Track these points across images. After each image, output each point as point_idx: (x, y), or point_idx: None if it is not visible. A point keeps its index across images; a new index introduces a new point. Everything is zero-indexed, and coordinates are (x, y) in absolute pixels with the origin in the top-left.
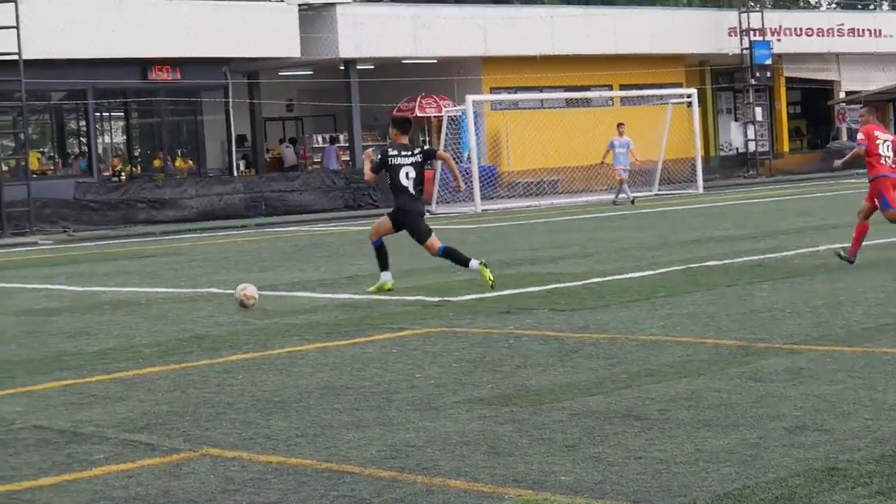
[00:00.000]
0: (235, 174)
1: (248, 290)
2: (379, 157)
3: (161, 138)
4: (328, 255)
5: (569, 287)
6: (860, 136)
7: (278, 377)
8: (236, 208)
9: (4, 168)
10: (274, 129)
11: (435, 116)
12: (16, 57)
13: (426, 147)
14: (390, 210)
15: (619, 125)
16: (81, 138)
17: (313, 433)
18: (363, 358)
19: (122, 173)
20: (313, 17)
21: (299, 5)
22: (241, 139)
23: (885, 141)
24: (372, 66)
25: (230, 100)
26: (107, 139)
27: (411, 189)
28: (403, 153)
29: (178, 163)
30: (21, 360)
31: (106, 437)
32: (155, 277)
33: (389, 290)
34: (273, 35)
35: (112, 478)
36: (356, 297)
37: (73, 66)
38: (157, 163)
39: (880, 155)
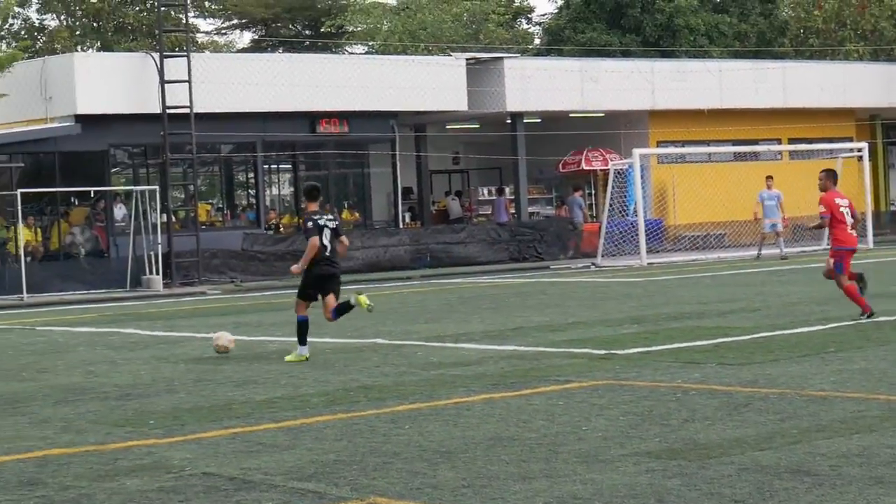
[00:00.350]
0: (401, 226)
1: (221, 340)
2: (310, 224)
3: (328, 190)
4: (493, 306)
5: (737, 341)
6: (822, 207)
7: (445, 428)
8: (401, 260)
9: (174, 219)
10: (440, 181)
11: (601, 170)
12: (187, 110)
13: (338, 221)
14: (304, 281)
15: (768, 178)
16: (250, 190)
17: (479, 484)
18: (529, 409)
19: (280, 225)
20: (481, 71)
21: (467, 60)
22: (407, 191)
23: (845, 207)
24: (538, 119)
25: (397, 152)
26: (275, 191)
27: (328, 252)
28: (325, 216)
29: (345, 214)
30: (190, 408)
31: (274, 484)
32: (320, 327)
33: (306, 359)
34: (441, 89)
35: None
36: (522, 348)
37: (242, 119)
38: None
39: (844, 223)
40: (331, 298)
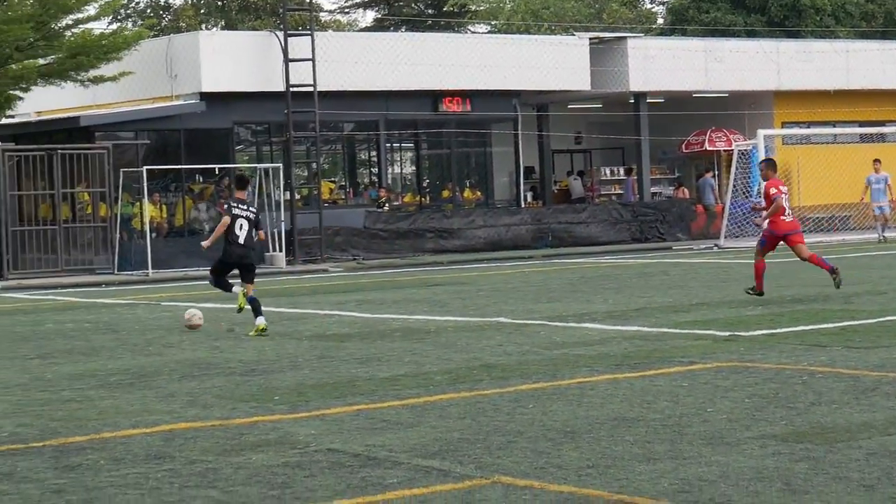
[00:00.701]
0: (523, 205)
1: (194, 319)
2: (226, 207)
3: (450, 169)
4: (615, 287)
5: (863, 325)
6: (773, 190)
7: (568, 407)
8: (523, 239)
9: (298, 197)
10: (562, 161)
11: (724, 150)
12: (311, 89)
13: (258, 213)
14: (222, 259)
15: (875, 161)
16: (372, 168)
17: (604, 464)
18: (653, 390)
19: (388, 204)
20: (604, 51)
21: (590, 39)
22: (528, 171)
23: (785, 195)
24: (662, 100)
25: (519, 132)
26: (396, 169)
27: (241, 240)
28: (241, 206)
29: (467, 193)
30: (315, 384)
31: (398, 461)
32: (443, 306)
33: (263, 330)
34: (563, 68)
35: (405, 502)
36: (645, 329)
37: (365, 97)
38: (445, 193)
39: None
40: (248, 287)
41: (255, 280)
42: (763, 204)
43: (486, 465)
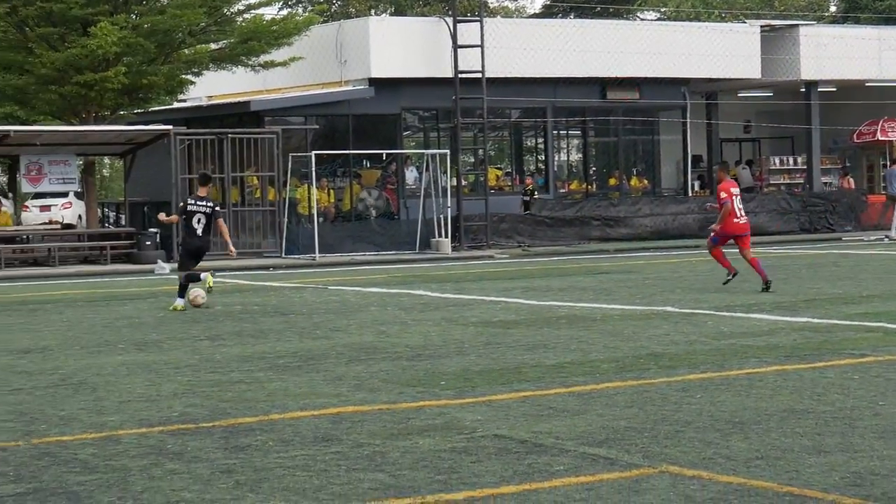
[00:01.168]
0: (690, 194)
1: (198, 299)
2: (181, 204)
3: (617, 157)
4: (784, 277)
5: None
6: (723, 194)
7: (737, 398)
8: (690, 228)
9: (464, 183)
10: (730, 149)
11: None
12: (479, 75)
13: (217, 207)
14: (183, 252)
15: None
16: (538, 155)
17: (774, 456)
18: (823, 382)
19: (535, 192)
20: (775, 39)
21: (761, 27)
22: (696, 159)
23: (736, 195)
24: (833, 88)
25: (688, 120)
26: (563, 156)
27: (199, 232)
28: (198, 203)
29: (634, 181)
30: (481, 370)
31: (565, 449)
32: (609, 294)
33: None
34: (734, 56)
35: (572, 490)
36: (815, 321)
37: (532, 84)
38: (612, 181)
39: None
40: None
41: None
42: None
43: (654, 454)
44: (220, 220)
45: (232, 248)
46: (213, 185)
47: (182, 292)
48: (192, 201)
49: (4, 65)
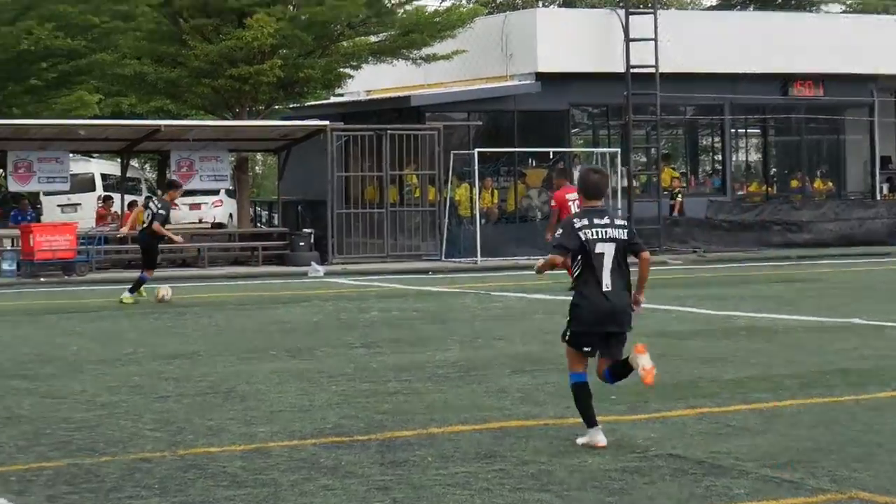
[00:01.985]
0: (878, 197)
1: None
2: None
3: (799, 157)
4: None
5: None
6: (552, 202)
7: None
8: (878, 234)
9: (636, 183)
10: None
11: None
12: (652, 70)
13: (161, 210)
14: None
15: None
16: (715, 155)
17: None
18: None
19: (680, 194)
20: None
21: None
22: (885, 160)
23: (573, 201)
24: None
25: (875, 118)
26: (741, 157)
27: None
28: (155, 203)
29: (817, 184)
30: (654, 385)
31: (746, 471)
32: (792, 304)
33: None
34: None
35: None
36: None
37: (709, 79)
38: (794, 183)
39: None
40: (148, 272)
41: (152, 266)
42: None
43: (842, 478)
44: (156, 224)
45: (176, 238)
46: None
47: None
48: (154, 201)
49: (157, 57)
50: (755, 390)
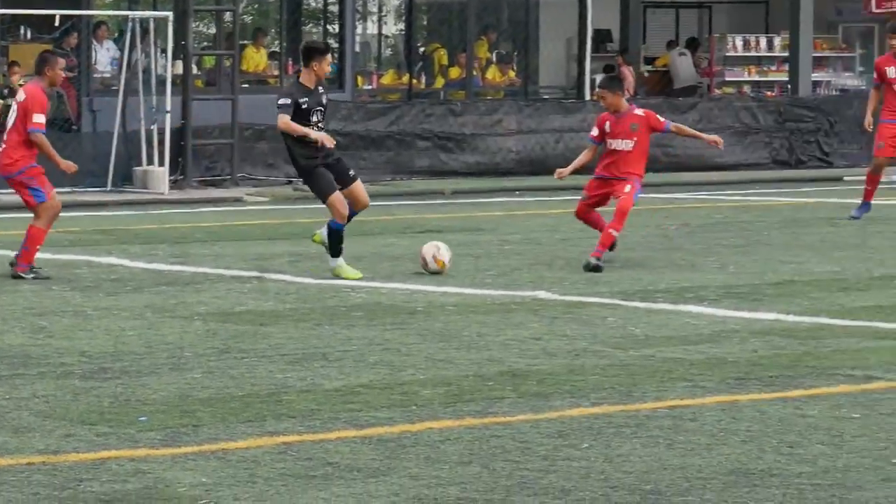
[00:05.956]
0: (588, 98)
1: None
2: None
3: (464, 31)
4: (742, 244)
5: None
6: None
7: (653, 449)
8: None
9: (196, 72)
10: (660, 23)
11: None
12: None
13: None
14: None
15: None
16: (329, 25)
17: None
18: (801, 425)
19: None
20: None
21: None
22: (601, 37)
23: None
24: None
25: None
26: (371, 28)
27: None
28: None
29: (492, 74)
30: (208, 398)
31: None
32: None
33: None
34: None
35: None
36: (790, 318)
37: None
38: (454, 72)
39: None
40: None
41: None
42: None
43: None
44: None
45: None
46: None
47: None
48: None
49: None
50: (373, 406)
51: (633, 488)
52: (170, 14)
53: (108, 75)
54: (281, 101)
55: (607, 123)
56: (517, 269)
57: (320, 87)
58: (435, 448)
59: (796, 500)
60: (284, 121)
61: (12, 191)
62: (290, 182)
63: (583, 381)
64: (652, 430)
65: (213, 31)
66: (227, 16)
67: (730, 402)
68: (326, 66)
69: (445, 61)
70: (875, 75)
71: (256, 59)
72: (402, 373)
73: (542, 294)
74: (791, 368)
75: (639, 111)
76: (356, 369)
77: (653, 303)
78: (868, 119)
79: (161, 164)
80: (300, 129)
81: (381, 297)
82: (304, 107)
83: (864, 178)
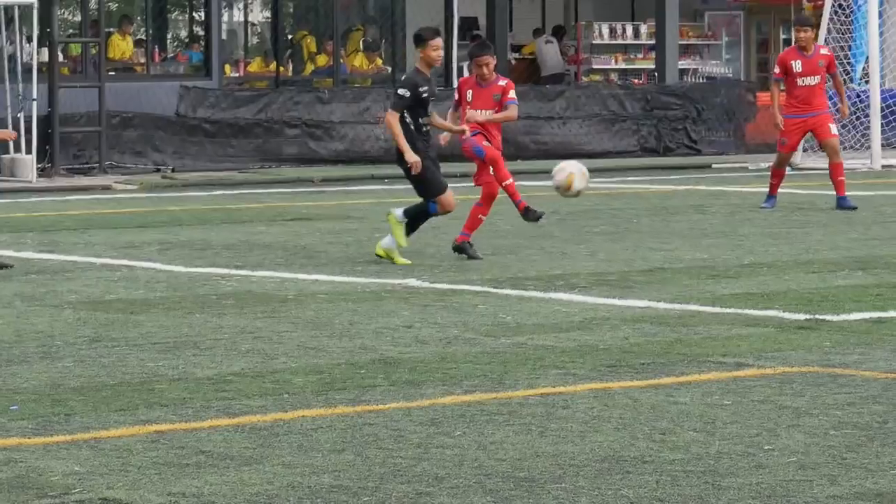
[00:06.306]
0: (456, 83)
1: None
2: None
3: (332, 18)
4: (611, 231)
5: None
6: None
7: (523, 437)
8: (453, 142)
9: (63, 58)
10: (526, 11)
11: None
12: None
13: None
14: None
15: None
16: (195, 13)
17: None
18: (672, 412)
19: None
20: None
21: None
22: (467, 25)
23: None
24: None
25: None
26: (237, 16)
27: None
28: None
29: (359, 61)
30: (79, 387)
31: None
32: (312, 256)
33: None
34: None
35: None
36: (661, 305)
37: None
38: (322, 60)
39: None
40: None
41: None
42: None
43: None
44: None
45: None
46: None
47: None
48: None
49: None
50: (245, 394)
51: (506, 475)
52: (34, 1)
53: None
54: (400, 91)
55: (470, 92)
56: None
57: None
58: (307, 436)
59: (669, 486)
60: (392, 120)
61: None
62: (158, 170)
63: (455, 368)
64: (524, 418)
65: (78, 18)
66: (93, 3)
67: (602, 390)
68: (432, 51)
69: (314, 48)
70: (777, 69)
71: (122, 46)
72: (273, 361)
73: (413, 282)
74: (662, 356)
75: (502, 81)
76: (228, 358)
77: (524, 290)
78: (779, 118)
79: (28, 152)
80: (403, 141)
81: (251, 286)
82: (423, 96)
83: (732, 164)
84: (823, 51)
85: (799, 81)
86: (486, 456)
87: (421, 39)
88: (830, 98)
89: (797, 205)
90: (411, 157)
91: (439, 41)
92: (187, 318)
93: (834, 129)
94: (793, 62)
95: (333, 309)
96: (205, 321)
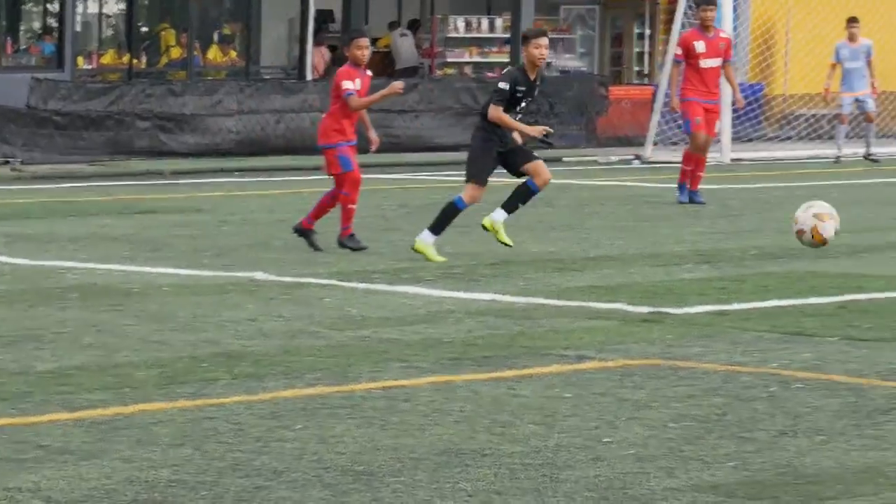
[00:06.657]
0: (310, 77)
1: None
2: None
3: (187, 11)
4: (459, 224)
5: (875, 300)
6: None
7: (365, 430)
8: (307, 135)
9: None
10: (383, 4)
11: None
12: None
13: None
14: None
15: (851, 22)
16: (50, 4)
17: None
18: (513, 405)
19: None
20: None
21: None
22: (323, 18)
23: None
24: None
25: None
26: (91, 7)
27: None
28: None
29: (213, 54)
30: None
31: None
32: (158, 249)
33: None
34: None
35: None
36: (506, 298)
37: None
38: (175, 52)
39: None
40: None
41: None
42: None
43: None
44: None
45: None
46: None
47: None
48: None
49: None
50: (87, 389)
51: (345, 469)
52: None
53: None
54: (500, 85)
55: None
56: (234, 250)
57: (541, 73)
58: (147, 430)
59: (508, 479)
60: (497, 113)
61: None
62: (7, 163)
63: (298, 361)
64: (366, 411)
65: None
66: None
67: (444, 383)
68: (533, 49)
69: (173, 41)
70: (679, 51)
71: None
72: (116, 355)
73: (259, 275)
74: (505, 349)
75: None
76: (70, 351)
77: (370, 283)
78: (675, 100)
79: None
80: (516, 124)
81: (96, 279)
82: (517, 94)
83: (582, 157)
84: (723, 34)
85: (702, 63)
86: (326, 449)
87: (525, 38)
88: None
89: (645, 198)
90: (533, 130)
91: (542, 40)
92: (30, 312)
93: (717, 127)
94: (696, 42)
95: (177, 302)
96: (47, 314)
